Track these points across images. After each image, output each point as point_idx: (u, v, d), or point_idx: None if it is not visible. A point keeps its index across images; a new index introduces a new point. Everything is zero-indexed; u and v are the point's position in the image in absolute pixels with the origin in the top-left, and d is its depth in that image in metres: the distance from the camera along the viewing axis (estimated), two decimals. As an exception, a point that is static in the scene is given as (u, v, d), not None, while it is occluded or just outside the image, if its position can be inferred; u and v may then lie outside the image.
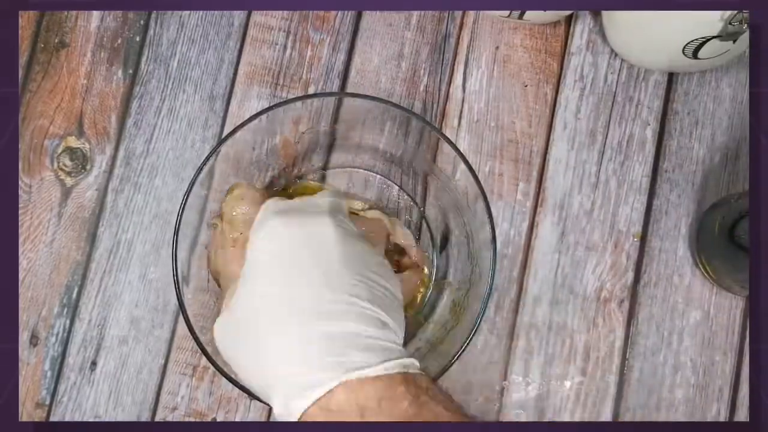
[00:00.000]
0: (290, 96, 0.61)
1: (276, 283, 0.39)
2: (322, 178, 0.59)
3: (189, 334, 0.56)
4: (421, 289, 0.57)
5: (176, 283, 0.50)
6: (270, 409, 0.58)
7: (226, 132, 0.59)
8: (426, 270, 0.56)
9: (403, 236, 0.54)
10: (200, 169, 0.51)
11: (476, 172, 0.59)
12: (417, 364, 0.38)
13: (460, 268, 0.55)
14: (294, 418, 0.36)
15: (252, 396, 0.49)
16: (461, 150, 0.59)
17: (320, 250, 0.40)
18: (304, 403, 0.35)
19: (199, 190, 0.53)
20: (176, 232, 0.50)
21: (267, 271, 0.40)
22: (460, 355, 0.48)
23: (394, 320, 0.39)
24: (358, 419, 0.35)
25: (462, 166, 0.51)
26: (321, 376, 0.36)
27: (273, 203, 0.44)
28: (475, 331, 0.48)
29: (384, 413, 0.35)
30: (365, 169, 0.59)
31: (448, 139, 0.51)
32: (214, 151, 0.51)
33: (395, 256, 0.55)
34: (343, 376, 0.35)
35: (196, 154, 0.60)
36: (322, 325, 0.37)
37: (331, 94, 0.61)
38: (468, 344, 0.48)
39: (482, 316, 0.49)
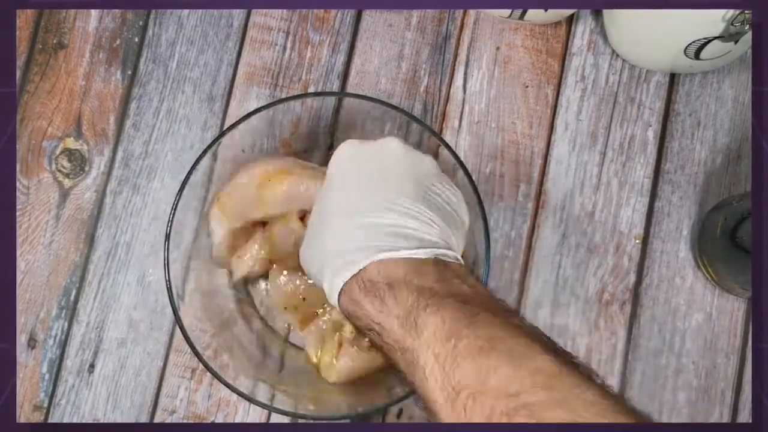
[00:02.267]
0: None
1: (343, 188, 0.45)
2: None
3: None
4: None
5: (169, 287, 0.50)
6: (269, 414, 0.57)
7: (225, 133, 0.59)
8: None
9: None
10: (193, 167, 0.50)
11: (477, 174, 0.59)
12: (457, 255, 0.42)
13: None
14: (337, 290, 0.41)
15: (249, 399, 0.49)
16: (462, 150, 0.60)
17: (384, 161, 0.45)
18: (344, 277, 0.40)
19: (199, 191, 0.53)
20: (168, 236, 0.50)
21: (337, 181, 0.45)
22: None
23: (449, 226, 0.43)
24: (384, 285, 0.39)
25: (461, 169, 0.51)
26: (359, 255, 0.40)
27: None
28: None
29: (408, 283, 0.39)
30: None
31: (443, 140, 0.51)
32: (209, 148, 0.51)
33: None
34: (376, 255, 0.40)
35: (195, 156, 0.59)
36: (370, 218, 0.42)
37: (330, 93, 0.60)
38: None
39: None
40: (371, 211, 0.42)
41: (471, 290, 0.39)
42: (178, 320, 0.49)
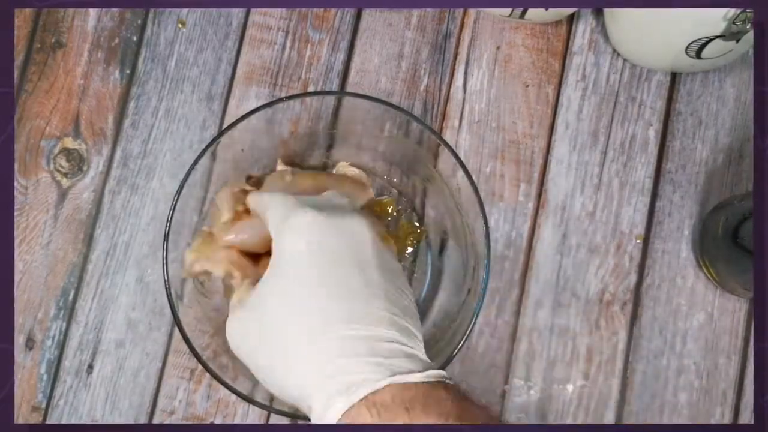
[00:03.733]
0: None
1: (311, 283, 0.38)
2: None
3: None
4: (411, 239, 0.57)
5: (167, 288, 0.49)
6: (269, 414, 0.57)
7: (224, 133, 0.58)
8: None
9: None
10: (192, 167, 0.50)
11: (477, 174, 0.59)
12: (449, 376, 0.39)
13: (458, 272, 0.55)
14: (335, 418, 0.35)
15: (249, 400, 0.49)
16: (462, 150, 0.59)
17: (358, 252, 0.39)
18: (350, 400, 0.35)
19: (197, 191, 0.53)
20: (166, 236, 0.50)
21: (299, 269, 0.38)
22: (456, 353, 0.48)
23: (419, 333, 0.40)
24: (404, 417, 0.34)
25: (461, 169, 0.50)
26: (368, 376, 0.36)
27: (290, 197, 0.42)
28: (472, 327, 0.48)
29: (430, 411, 0.35)
30: (365, 170, 0.58)
31: (443, 140, 0.51)
32: (207, 148, 0.50)
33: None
34: (390, 379, 0.35)
35: (194, 156, 0.59)
36: (365, 330, 0.37)
37: (330, 93, 0.60)
38: (464, 343, 0.48)
39: (478, 313, 0.49)
40: (360, 322, 0.37)
41: (485, 412, 0.37)
42: (176, 320, 0.49)
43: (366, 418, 0.35)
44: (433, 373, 0.37)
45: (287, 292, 0.38)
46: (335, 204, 0.44)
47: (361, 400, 0.35)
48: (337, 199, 0.45)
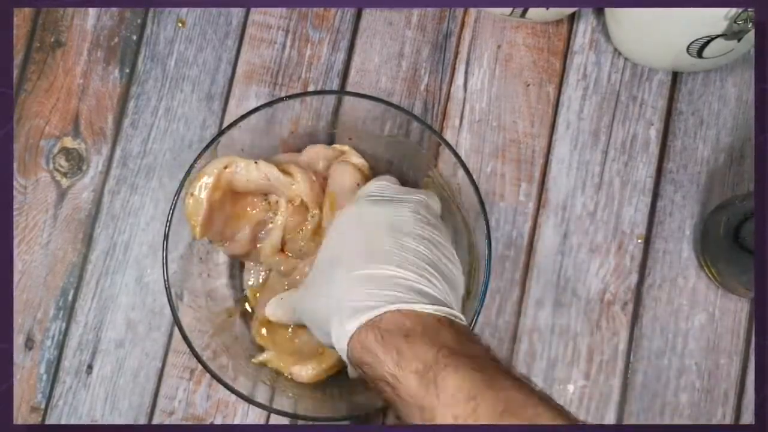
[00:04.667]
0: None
1: (352, 238, 0.45)
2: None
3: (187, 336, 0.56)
4: None
5: (167, 288, 0.49)
6: (268, 415, 0.57)
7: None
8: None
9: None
10: (192, 167, 0.50)
11: (478, 173, 0.59)
12: (464, 319, 0.42)
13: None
14: (347, 337, 0.40)
15: (248, 400, 0.49)
16: (463, 149, 0.59)
17: (397, 220, 0.45)
18: (357, 322, 0.40)
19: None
20: (166, 236, 0.50)
21: (346, 233, 0.45)
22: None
23: (451, 291, 0.43)
24: (402, 343, 0.38)
25: (461, 168, 0.50)
26: (374, 302, 0.40)
27: (365, 193, 0.49)
28: (473, 327, 0.48)
29: (426, 341, 0.38)
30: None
31: (444, 139, 0.50)
32: (207, 147, 0.50)
33: None
34: (393, 305, 0.40)
35: (193, 155, 0.59)
36: (384, 269, 0.41)
37: (330, 92, 0.60)
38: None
39: (479, 312, 0.49)
40: (384, 264, 0.42)
41: (484, 352, 0.39)
42: (176, 320, 0.49)
43: (371, 341, 0.39)
44: (441, 309, 0.40)
45: (328, 246, 0.46)
46: (404, 194, 0.49)
47: (368, 323, 0.39)
48: (411, 194, 0.49)
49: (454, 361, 0.37)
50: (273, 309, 0.51)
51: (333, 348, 0.43)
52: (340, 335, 0.41)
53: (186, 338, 0.49)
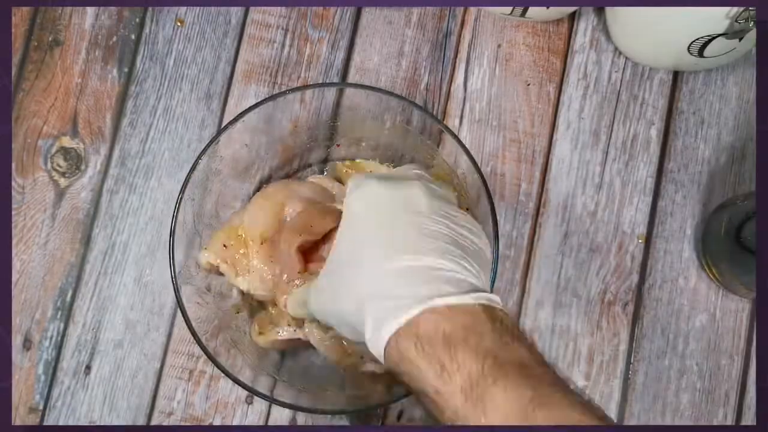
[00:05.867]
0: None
1: (372, 228, 0.43)
2: (321, 173, 0.58)
3: (185, 337, 0.56)
4: None
5: (174, 280, 0.49)
6: (268, 415, 0.57)
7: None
8: None
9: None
10: (193, 167, 0.50)
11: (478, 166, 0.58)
12: (498, 300, 0.40)
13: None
14: (383, 342, 0.38)
15: (249, 389, 0.49)
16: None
17: (411, 202, 0.43)
18: (392, 327, 0.38)
19: (197, 192, 0.52)
20: (172, 232, 0.50)
21: (363, 221, 0.43)
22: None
23: (480, 267, 0.42)
24: (442, 347, 0.37)
25: (464, 157, 0.50)
26: (409, 301, 0.38)
27: (361, 174, 0.47)
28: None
29: (469, 345, 0.36)
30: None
31: (447, 127, 0.50)
32: (211, 143, 0.50)
33: None
34: (430, 302, 0.38)
35: (192, 155, 0.59)
36: (411, 260, 0.40)
37: (330, 84, 0.60)
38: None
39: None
40: (409, 253, 0.40)
41: (529, 355, 0.37)
42: (182, 311, 0.49)
43: (410, 350, 0.37)
44: (478, 296, 0.39)
45: (352, 237, 0.44)
46: (403, 175, 0.48)
47: (404, 327, 0.38)
48: (409, 171, 0.49)
49: (501, 373, 0.35)
50: (291, 306, 0.49)
51: (364, 345, 0.41)
52: (375, 341, 0.39)
53: (191, 329, 0.48)
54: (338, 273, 0.43)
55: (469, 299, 0.38)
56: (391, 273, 0.40)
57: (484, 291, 0.40)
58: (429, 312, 0.38)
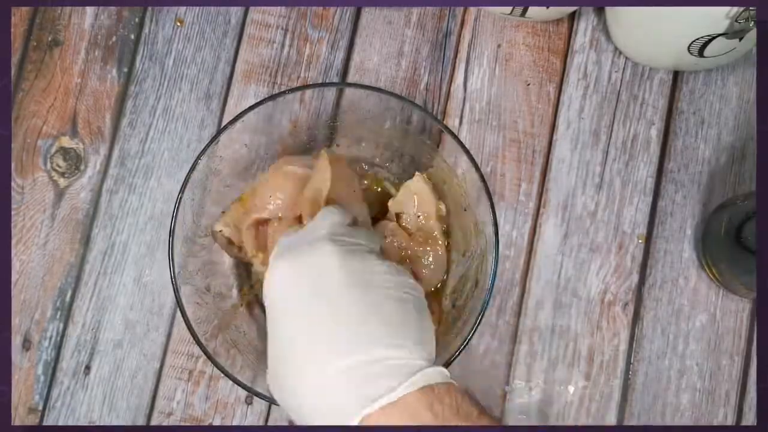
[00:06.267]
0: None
1: (291, 328, 0.40)
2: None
3: (185, 337, 0.56)
4: None
5: (174, 280, 0.49)
6: (267, 415, 0.57)
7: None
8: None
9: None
10: (193, 167, 0.50)
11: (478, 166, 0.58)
12: (444, 371, 0.38)
13: (460, 271, 0.55)
14: None
15: (252, 391, 0.48)
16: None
17: (322, 280, 0.40)
18: None
19: (197, 192, 0.52)
20: (172, 232, 0.49)
21: (282, 314, 0.41)
22: (459, 353, 0.47)
23: (416, 328, 0.40)
24: None
25: (464, 157, 0.50)
26: (346, 411, 0.36)
27: (284, 237, 0.44)
28: (475, 329, 0.47)
29: None
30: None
31: (447, 127, 0.50)
32: (211, 143, 0.50)
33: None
34: (366, 408, 0.36)
35: (192, 155, 0.59)
36: (338, 361, 0.38)
37: (330, 84, 0.60)
38: (466, 345, 0.47)
39: (484, 310, 0.48)
40: (332, 353, 0.38)
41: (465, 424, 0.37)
42: (182, 312, 0.48)
43: None
44: (416, 379, 0.37)
45: (280, 335, 0.41)
46: (313, 235, 0.43)
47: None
48: (322, 220, 0.44)
49: None
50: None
51: None
52: None
53: (191, 329, 0.48)
54: (277, 371, 0.41)
55: (404, 389, 0.37)
56: (319, 382, 0.38)
57: (422, 368, 0.38)
58: (377, 413, 0.36)
